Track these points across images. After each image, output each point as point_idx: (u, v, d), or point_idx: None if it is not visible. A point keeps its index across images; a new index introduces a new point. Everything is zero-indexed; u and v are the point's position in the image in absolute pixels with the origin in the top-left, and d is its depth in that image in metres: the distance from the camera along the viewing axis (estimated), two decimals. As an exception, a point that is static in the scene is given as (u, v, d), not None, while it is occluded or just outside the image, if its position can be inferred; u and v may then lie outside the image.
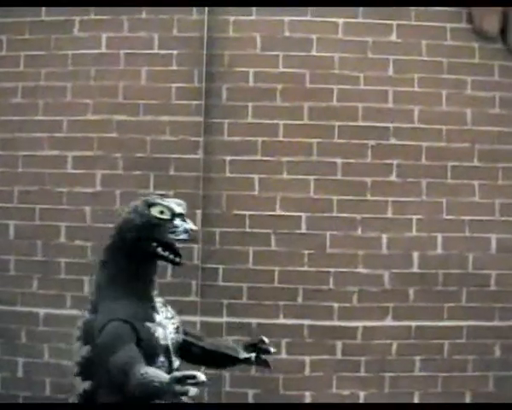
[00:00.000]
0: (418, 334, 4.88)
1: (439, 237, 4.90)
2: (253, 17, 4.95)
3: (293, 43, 4.94)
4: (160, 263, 3.23)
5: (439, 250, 4.91)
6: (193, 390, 2.83)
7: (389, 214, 4.91)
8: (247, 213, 4.92)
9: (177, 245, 3.22)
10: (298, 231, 4.91)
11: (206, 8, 4.92)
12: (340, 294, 4.89)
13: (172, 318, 3.33)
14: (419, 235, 4.90)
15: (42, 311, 4.95)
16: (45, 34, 5.01)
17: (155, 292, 3.29)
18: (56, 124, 5.01)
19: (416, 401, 4.87)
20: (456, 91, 4.93)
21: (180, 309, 4.73)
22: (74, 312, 4.44)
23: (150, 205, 3.23)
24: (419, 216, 4.91)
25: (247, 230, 4.91)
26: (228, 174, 4.94)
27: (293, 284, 4.89)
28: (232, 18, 4.95)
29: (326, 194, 4.91)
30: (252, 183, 4.92)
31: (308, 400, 4.88)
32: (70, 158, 5.00)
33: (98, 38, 4.99)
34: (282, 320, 4.90)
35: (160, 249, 3.20)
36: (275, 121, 4.93)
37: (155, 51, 4.98)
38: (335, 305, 4.89)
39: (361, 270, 4.90)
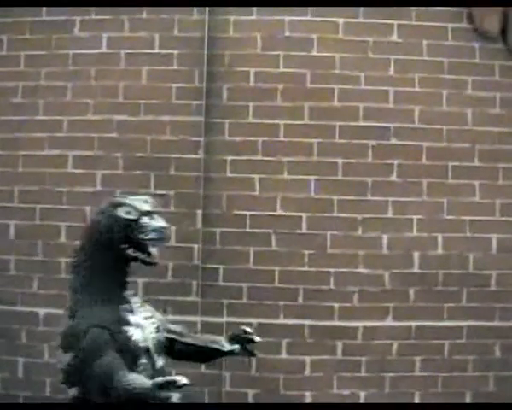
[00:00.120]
0: (418, 334, 4.88)
1: (440, 237, 4.90)
2: (253, 17, 4.95)
3: (294, 43, 4.93)
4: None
5: (440, 250, 4.90)
6: (175, 396, 2.83)
7: (390, 214, 4.91)
8: (248, 213, 4.92)
9: (149, 244, 3.16)
10: (298, 231, 4.91)
11: (207, 9, 4.92)
12: (340, 294, 4.89)
13: (152, 317, 3.28)
14: (419, 235, 4.90)
15: (42, 311, 4.95)
16: (46, 34, 5.01)
17: (131, 293, 3.25)
18: (57, 124, 5.01)
19: (416, 401, 4.87)
20: (457, 91, 4.93)
21: (180, 309, 4.80)
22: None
23: (116, 206, 3.19)
24: (419, 216, 4.91)
25: (248, 230, 4.91)
26: (228, 174, 4.94)
27: (293, 284, 4.89)
28: (233, 18, 4.95)
29: (326, 194, 4.91)
30: (252, 183, 4.92)
31: (308, 400, 4.88)
32: (70, 158, 5.00)
33: (99, 38, 4.99)
34: (282, 320, 4.90)
35: (130, 251, 3.17)
36: (275, 121, 4.93)
37: (156, 51, 4.97)
38: (336, 305, 4.89)
39: (361, 270, 4.90)
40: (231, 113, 4.95)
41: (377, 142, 4.92)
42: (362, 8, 4.91)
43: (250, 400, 4.87)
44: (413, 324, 4.89)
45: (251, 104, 4.94)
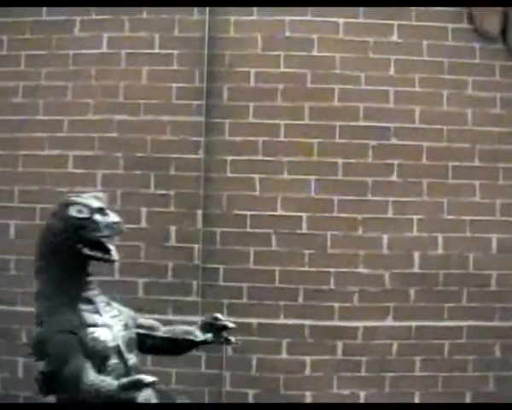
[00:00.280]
0: (418, 334, 4.88)
1: (440, 237, 4.90)
2: (253, 17, 4.95)
3: (294, 44, 4.93)
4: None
5: (440, 250, 4.90)
6: (142, 395, 2.82)
7: (390, 214, 4.91)
8: (248, 213, 4.92)
9: (104, 241, 3.12)
10: (299, 231, 4.91)
11: (207, 9, 4.92)
12: (340, 294, 4.89)
13: (119, 315, 3.25)
14: (420, 235, 4.90)
15: (42, 311, 4.94)
16: (46, 34, 5.01)
17: (96, 292, 3.21)
18: (57, 123, 5.00)
19: (416, 401, 4.86)
20: (457, 91, 4.93)
21: (180, 309, 4.80)
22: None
23: (67, 205, 3.15)
24: (420, 216, 4.91)
25: (248, 230, 4.91)
26: (229, 174, 4.94)
27: (293, 284, 4.89)
28: (233, 18, 4.95)
29: (327, 194, 4.91)
30: (253, 183, 4.92)
31: (309, 400, 4.88)
32: (71, 158, 5.00)
33: (99, 38, 4.99)
34: (282, 320, 4.89)
35: (86, 250, 3.13)
36: (276, 121, 4.93)
37: (156, 51, 4.97)
38: (336, 305, 4.89)
39: (362, 270, 4.90)
40: (231, 113, 4.95)
41: (377, 142, 4.91)
42: (362, 9, 4.91)
43: (250, 400, 4.87)
44: (413, 324, 4.88)
45: (251, 104, 4.94)
